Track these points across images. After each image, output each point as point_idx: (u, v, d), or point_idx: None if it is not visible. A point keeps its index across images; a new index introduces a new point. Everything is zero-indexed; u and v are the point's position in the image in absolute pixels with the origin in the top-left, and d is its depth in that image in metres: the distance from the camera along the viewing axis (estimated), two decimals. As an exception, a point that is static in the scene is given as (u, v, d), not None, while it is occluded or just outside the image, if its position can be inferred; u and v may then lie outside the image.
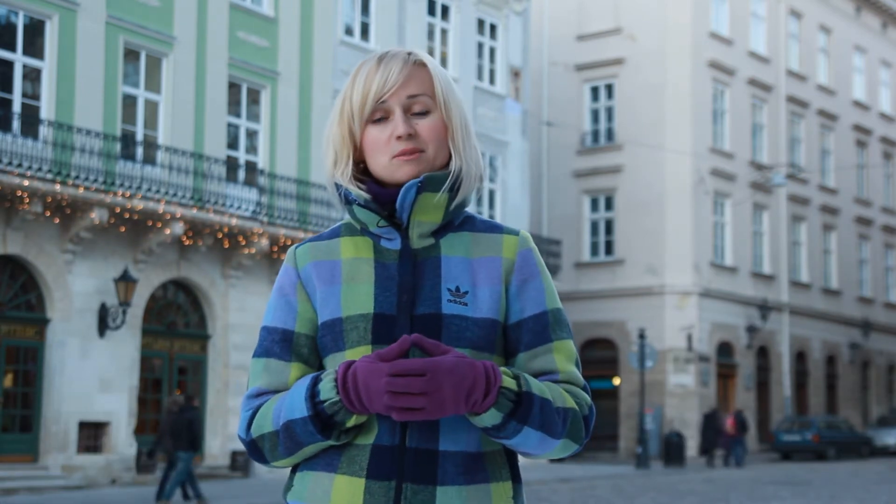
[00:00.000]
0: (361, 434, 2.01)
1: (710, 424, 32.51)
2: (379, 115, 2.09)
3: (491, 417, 1.95)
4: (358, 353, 2.02)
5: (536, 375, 2.06)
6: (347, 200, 2.11)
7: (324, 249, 2.13)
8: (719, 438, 32.55)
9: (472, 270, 2.08)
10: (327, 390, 1.96)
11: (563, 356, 2.09)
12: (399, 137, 2.06)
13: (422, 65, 2.12)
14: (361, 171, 2.14)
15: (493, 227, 2.15)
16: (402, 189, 2.05)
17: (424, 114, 2.09)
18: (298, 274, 2.12)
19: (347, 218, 2.16)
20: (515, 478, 2.09)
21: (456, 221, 2.14)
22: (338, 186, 2.12)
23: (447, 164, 2.12)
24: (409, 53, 2.12)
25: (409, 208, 2.07)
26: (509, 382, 1.97)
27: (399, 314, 2.03)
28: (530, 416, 1.97)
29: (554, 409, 2.01)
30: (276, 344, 2.09)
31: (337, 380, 1.95)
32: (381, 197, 2.09)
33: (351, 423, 1.97)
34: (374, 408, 1.92)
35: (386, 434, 1.99)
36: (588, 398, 2.09)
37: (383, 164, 2.08)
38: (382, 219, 2.09)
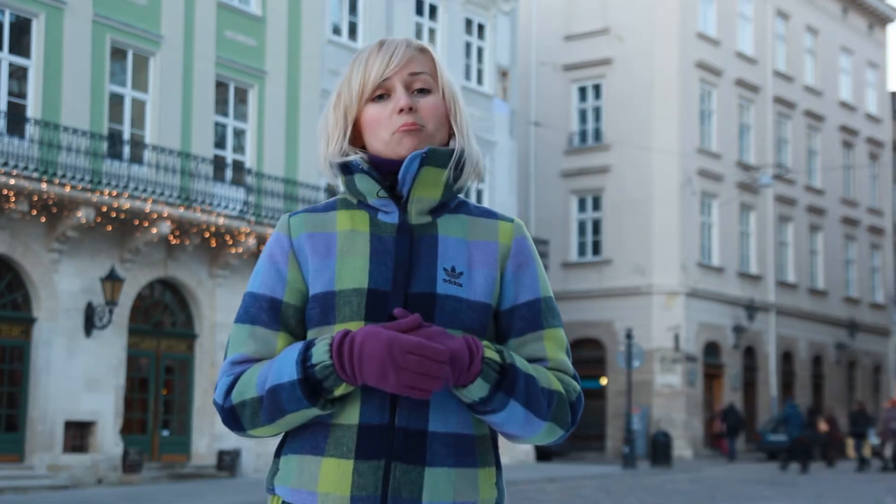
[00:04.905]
0: (345, 414, 1.98)
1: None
2: (380, 93, 2.08)
3: (479, 389, 1.95)
4: (349, 327, 1.99)
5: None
6: (348, 170, 2.08)
7: (319, 221, 2.10)
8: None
9: (469, 252, 2.07)
10: (320, 354, 1.93)
11: (554, 344, 2.09)
12: (401, 111, 2.05)
13: (423, 49, 2.13)
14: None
15: (488, 213, 2.15)
16: (406, 159, 2.03)
17: (426, 93, 2.09)
18: (291, 243, 2.09)
19: (343, 192, 2.14)
20: (497, 464, 2.10)
21: (451, 204, 2.13)
22: (333, 165, 2.11)
23: (447, 144, 2.12)
24: (410, 41, 2.14)
25: (411, 181, 2.05)
26: (492, 354, 1.97)
27: (393, 290, 2.01)
28: (516, 388, 1.97)
29: (539, 388, 2.00)
30: (264, 312, 2.06)
31: (332, 344, 1.93)
32: (383, 167, 2.07)
33: (339, 391, 1.94)
34: (365, 377, 1.91)
35: (374, 413, 1.97)
36: (577, 385, 2.09)
37: (384, 139, 2.07)
38: (383, 188, 2.06)
